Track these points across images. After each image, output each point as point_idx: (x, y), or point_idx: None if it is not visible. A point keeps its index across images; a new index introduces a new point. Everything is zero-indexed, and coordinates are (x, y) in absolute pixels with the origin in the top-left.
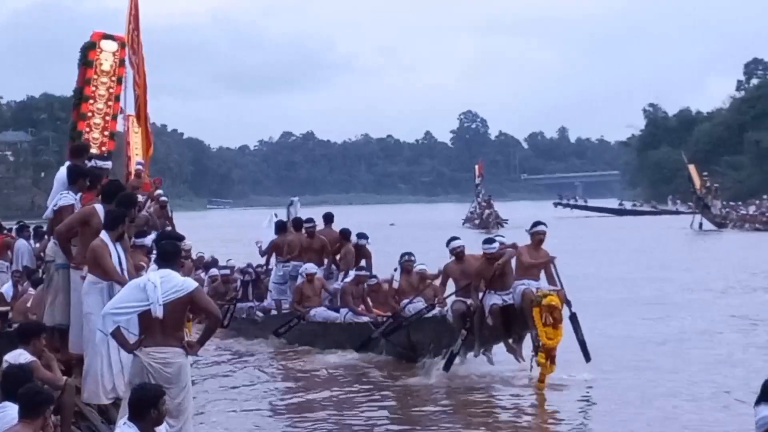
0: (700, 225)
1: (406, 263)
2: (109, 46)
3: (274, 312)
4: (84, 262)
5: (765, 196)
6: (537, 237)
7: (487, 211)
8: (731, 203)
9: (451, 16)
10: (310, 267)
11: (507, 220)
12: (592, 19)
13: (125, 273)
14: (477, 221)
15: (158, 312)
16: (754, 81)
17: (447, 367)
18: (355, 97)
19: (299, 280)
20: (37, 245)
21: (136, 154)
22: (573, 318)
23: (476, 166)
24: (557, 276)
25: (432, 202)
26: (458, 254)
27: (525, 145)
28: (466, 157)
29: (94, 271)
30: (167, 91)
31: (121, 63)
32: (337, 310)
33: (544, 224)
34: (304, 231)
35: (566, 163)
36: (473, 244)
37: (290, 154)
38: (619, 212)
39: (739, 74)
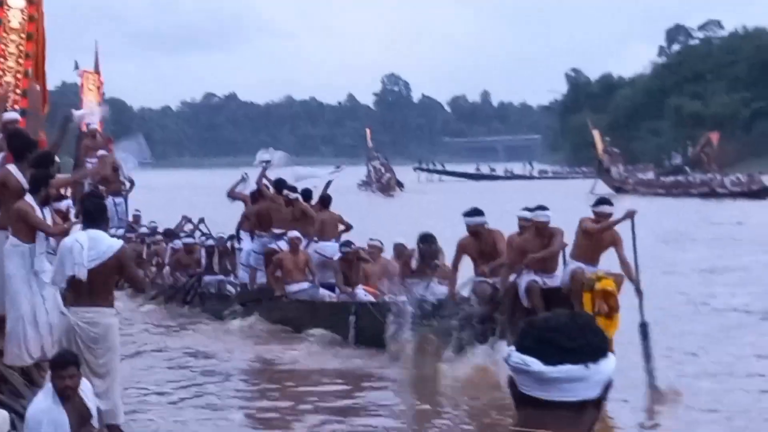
0: (592, 190)
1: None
2: (16, 3)
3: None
4: (6, 224)
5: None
6: (601, 217)
7: (387, 175)
8: (629, 168)
9: None
10: (294, 231)
11: (404, 184)
12: None
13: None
14: (375, 185)
15: (82, 274)
16: (676, 47)
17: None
18: (278, 59)
19: (282, 247)
20: None
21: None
22: (643, 329)
23: (367, 131)
24: (627, 262)
25: (354, 164)
26: (475, 232)
27: (448, 109)
28: (389, 120)
29: (17, 234)
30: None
31: (31, 19)
32: (330, 288)
33: (610, 203)
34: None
35: (488, 126)
36: (368, 208)
37: (213, 116)
38: (476, 177)
39: (660, 40)
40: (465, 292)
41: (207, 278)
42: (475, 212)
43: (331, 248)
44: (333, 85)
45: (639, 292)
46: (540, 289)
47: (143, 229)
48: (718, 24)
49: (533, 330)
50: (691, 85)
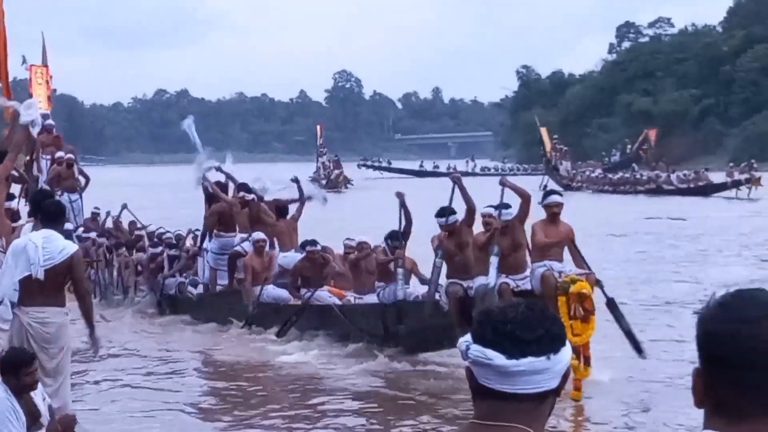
0: (545, 186)
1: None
2: None
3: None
4: None
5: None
6: (551, 210)
7: (336, 171)
8: (577, 165)
9: None
10: (259, 234)
11: (352, 181)
12: None
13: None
14: (324, 181)
15: (39, 274)
16: (626, 44)
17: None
18: (229, 56)
19: (247, 249)
20: None
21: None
22: (611, 304)
23: (317, 128)
24: (581, 255)
25: (306, 161)
26: (450, 230)
27: (399, 105)
28: (340, 117)
29: None
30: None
31: None
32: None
33: (558, 194)
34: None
35: (440, 123)
36: (316, 204)
37: (164, 112)
38: (420, 174)
39: (611, 37)
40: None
41: (168, 281)
42: (446, 212)
43: (291, 258)
44: (285, 82)
45: (598, 282)
46: (512, 291)
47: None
48: (668, 21)
49: (492, 322)
50: (641, 82)
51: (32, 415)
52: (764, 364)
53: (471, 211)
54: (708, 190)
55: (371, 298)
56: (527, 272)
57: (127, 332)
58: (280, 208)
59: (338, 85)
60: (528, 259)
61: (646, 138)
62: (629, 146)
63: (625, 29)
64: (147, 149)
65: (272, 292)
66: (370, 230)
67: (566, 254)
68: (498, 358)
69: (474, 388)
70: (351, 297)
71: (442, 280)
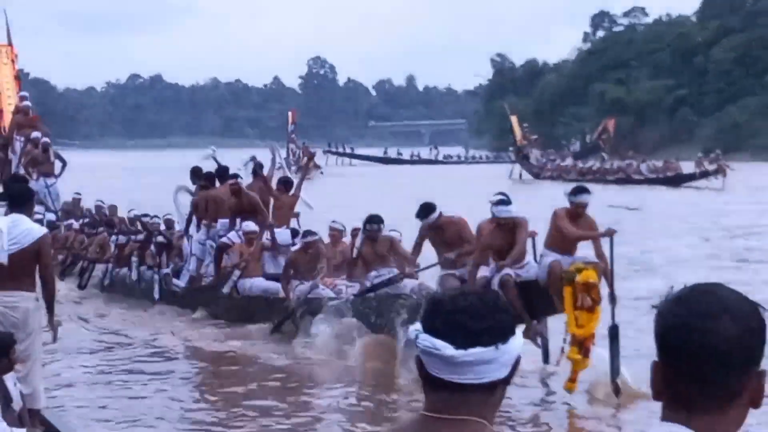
0: (520, 175)
1: (370, 232)
2: None
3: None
4: None
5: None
6: (577, 209)
7: (306, 158)
8: (547, 153)
9: None
10: (249, 225)
11: (321, 169)
12: None
13: None
14: (294, 168)
15: (3, 258)
16: (600, 33)
17: None
18: (203, 41)
19: (234, 239)
20: None
21: (7, 89)
22: (612, 298)
23: (289, 114)
24: (602, 252)
25: (280, 147)
26: (438, 225)
27: (373, 92)
28: (314, 103)
29: None
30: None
31: None
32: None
33: (588, 192)
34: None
35: (414, 110)
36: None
37: (138, 97)
38: (384, 160)
39: (585, 26)
40: (433, 286)
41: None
42: (427, 210)
43: (283, 235)
44: (259, 68)
45: (613, 297)
46: (515, 282)
47: (133, 213)
48: (643, 11)
49: (441, 312)
50: (615, 72)
51: (5, 398)
52: (720, 358)
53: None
54: (677, 180)
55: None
56: (528, 259)
57: (115, 322)
58: (286, 182)
59: (312, 72)
60: (529, 249)
61: (605, 128)
62: (588, 136)
63: (600, 18)
64: (120, 134)
65: (260, 284)
66: (346, 221)
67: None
68: (446, 348)
69: (424, 377)
70: (342, 286)
71: (436, 271)
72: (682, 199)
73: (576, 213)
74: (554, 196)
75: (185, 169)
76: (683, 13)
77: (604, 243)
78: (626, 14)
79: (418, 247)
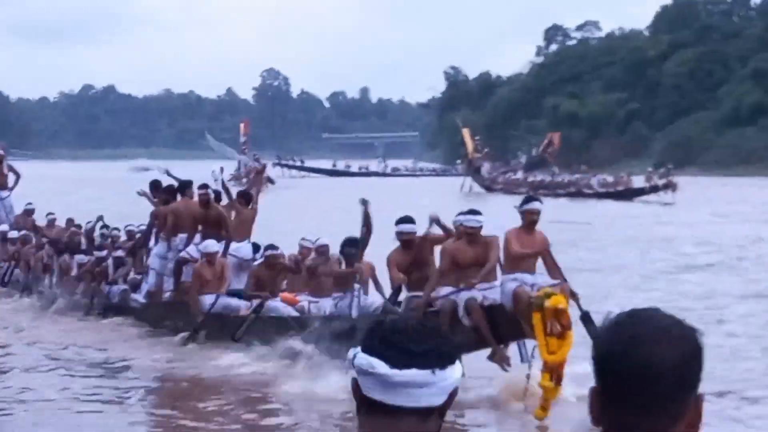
0: (470, 188)
1: (348, 257)
2: None
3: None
4: None
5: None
6: (530, 217)
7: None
8: (497, 164)
9: None
10: (210, 244)
11: (274, 180)
12: None
13: None
14: (245, 180)
15: None
16: (554, 47)
17: None
18: (157, 52)
19: (193, 254)
20: None
21: None
22: (585, 318)
23: (241, 125)
24: (557, 266)
25: (235, 159)
26: (407, 242)
27: (327, 104)
28: (268, 115)
29: None
30: None
31: None
32: (240, 297)
33: (538, 200)
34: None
35: (367, 123)
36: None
37: (91, 107)
38: (332, 173)
39: (539, 40)
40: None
41: (110, 288)
42: (406, 219)
43: (244, 249)
44: (212, 79)
45: (585, 316)
46: (481, 306)
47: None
48: (596, 25)
49: (380, 331)
50: (568, 85)
51: None
52: (657, 383)
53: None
54: (627, 194)
55: (327, 303)
56: (496, 281)
57: (64, 337)
58: (246, 195)
59: (266, 84)
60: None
61: (550, 141)
62: (534, 149)
63: (553, 32)
64: (73, 144)
65: (221, 301)
66: (300, 231)
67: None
68: (381, 367)
69: (359, 399)
70: (305, 302)
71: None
72: (629, 213)
73: (530, 222)
74: (505, 209)
75: (140, 181)
76: (636, 27)
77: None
78: (579, 28)
79: (395, 277)
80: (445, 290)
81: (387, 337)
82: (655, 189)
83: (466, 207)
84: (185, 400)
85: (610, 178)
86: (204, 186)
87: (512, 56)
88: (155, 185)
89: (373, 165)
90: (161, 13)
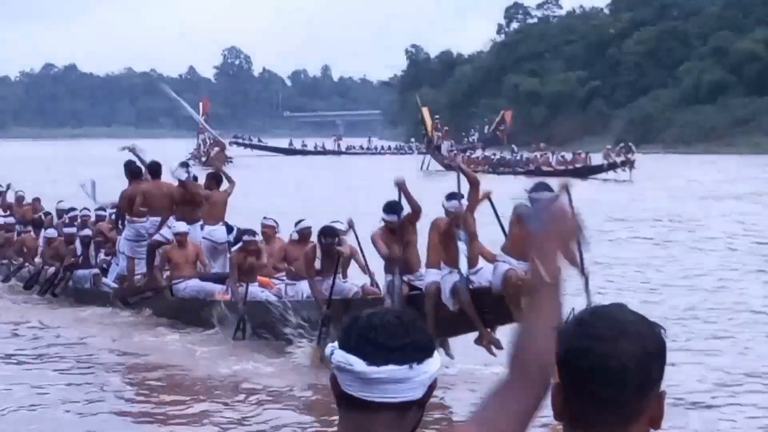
0: (428, 166)
1: (326, 246)
2: None
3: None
4: None
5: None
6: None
7: (216, 149)
8: (458, 146)
9: None
10: (180, 225)
11: (232, 158)
12: None
13: None
14: (204, 159)
15: None
16: (515, 25)
17: None
18: (117, 30)
19: (167, 236)
20: None
21: None
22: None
23: (200, 104)
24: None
25: (193, 138)
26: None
27: (288, 83)
28: (229, 93)
29: None
30: None
31: None
32: (217, 281)
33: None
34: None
35: (329, 101)
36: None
37: (52, 86)
38: (288, 152)
39: (499, 18)
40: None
41: (80, 272)
42: (392, 208)
43: (218, 232)
44: (173, 57)
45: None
46: (467, 289)
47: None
48: (556, 3)
49: (357, 328)
50: (529, 63)
51: None
52: (618, 380)
53: (416, 212)
54: (585, 172)
55: (303, 285)
56: (480, 265)
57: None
58: (216, 176)
59: (227, 62)
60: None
61: (502, 119)
62: (487, 127)
63: (514, 10)
64: (34, 123)
65: (195, 284)
66: (260, 210)
67: None
68: (359, 364)
69: (338, 395)
70: (281, 285)
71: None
72: (587, 191)
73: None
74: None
75: (103, 160)
76: (596, 5)
77: None
78: (540, 6)
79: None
80: (432, 274)
81: (363, 334)
82: (613, 166)
83: (425, 185)
84: (165, 390)
85: (568, 156)
86: (184, 164)
87: (474, 33)
88: (129, 167)
89: (329, 143)
90: None
